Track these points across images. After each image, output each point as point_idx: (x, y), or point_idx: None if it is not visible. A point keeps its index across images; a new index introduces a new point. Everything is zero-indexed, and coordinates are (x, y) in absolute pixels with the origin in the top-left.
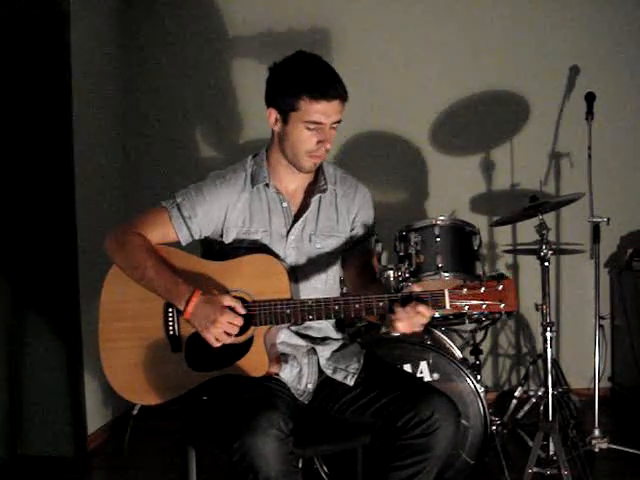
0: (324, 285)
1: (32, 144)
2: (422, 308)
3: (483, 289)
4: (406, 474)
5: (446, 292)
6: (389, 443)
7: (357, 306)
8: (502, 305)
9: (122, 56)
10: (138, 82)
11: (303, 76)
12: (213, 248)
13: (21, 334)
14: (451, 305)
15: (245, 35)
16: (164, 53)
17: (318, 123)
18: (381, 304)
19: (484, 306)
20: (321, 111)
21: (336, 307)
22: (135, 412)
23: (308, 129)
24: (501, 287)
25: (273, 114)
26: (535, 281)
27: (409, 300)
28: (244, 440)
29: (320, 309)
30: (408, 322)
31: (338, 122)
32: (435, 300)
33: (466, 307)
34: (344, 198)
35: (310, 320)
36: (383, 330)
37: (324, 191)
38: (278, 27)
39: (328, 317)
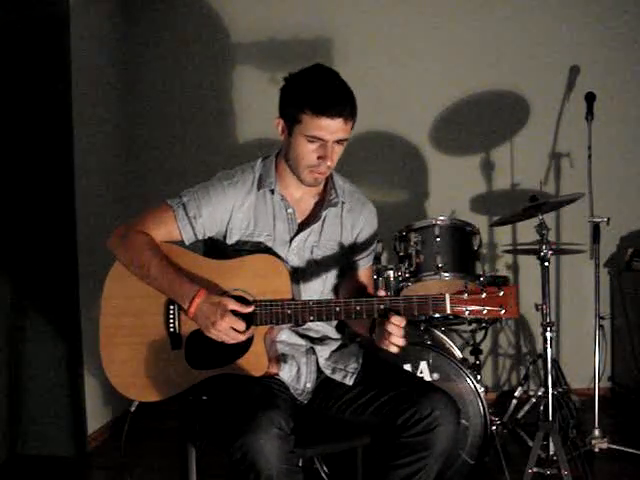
0: (319, 296)
1: (32, 144)
2: (395, 321)
3: (484, 295)
4: (407, 472)
5: (447, 297)
6: (389, 441)
7: (358, 308)
8: (502, 312)
9: (122, 56)
10: (138, 83)
11: (309, 90)
12: (216, 248)
13: (21, 334)
14: (452, 309)
15: (246, 37)
16: (164, 54)
17: (319, 139)
18: (382, 307)
19: (484, 311)
20: (323, 127)
21: (337, 309)
22: (133, 409)
23: (310, 142)
24: (502, 293)
25: (281, 124)
26: (535, 281)
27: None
28: (245, 439)
29: (321, 310)
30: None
31: (344, 140)
32: (435, 304)
33: (466, 312)
34: (350, 213)
35: (311, 321)
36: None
37: (335, 205)
38: (278, 29)
39: (329, 318)
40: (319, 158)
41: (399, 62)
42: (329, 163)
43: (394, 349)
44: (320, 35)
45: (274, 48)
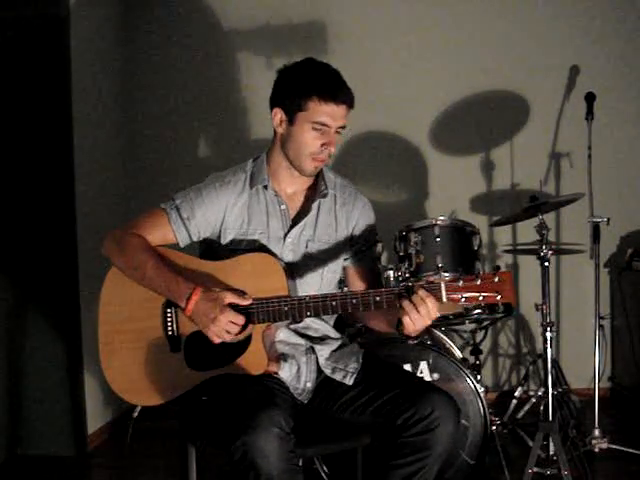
0: (317, 291)
1: (32, 144)
2: (423, 293)
3: (479, 281)
4: (407, 472)
5: (442, 284)
6: (389, 441)
7: (354, 301)
8: (499, 297)
9: (122, 56)
10: (138, 82)
11: (314, 78)
12: (211, 249)
13: (21, 334)
14: (447, 297)
15: (244, 31)
16: (163, 52)
17: (325, 125)
18: (378, 299)
19: (481, 298)
20: (329, 113)
21: (333, 303)
22: (136, 414)
23: (314, 130)
24: (497, 279)
25: (279, 114)
26: (535, 281)
27: (412, 291)
28: (245, 438)
29: (317, 305)
30: (416, 314)
31: (342, 127)
32: (431, 293)
33: (463, 299)
34: (344, 207)
35: (308, 316)
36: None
37: (325, 196)
38: (276, 23)
39: (326, 313)
40: (322, 145)
41: (399, 61)
42: (332, 149)
43: (420, 323)
44: (317, 34)
45: (270, 35)
